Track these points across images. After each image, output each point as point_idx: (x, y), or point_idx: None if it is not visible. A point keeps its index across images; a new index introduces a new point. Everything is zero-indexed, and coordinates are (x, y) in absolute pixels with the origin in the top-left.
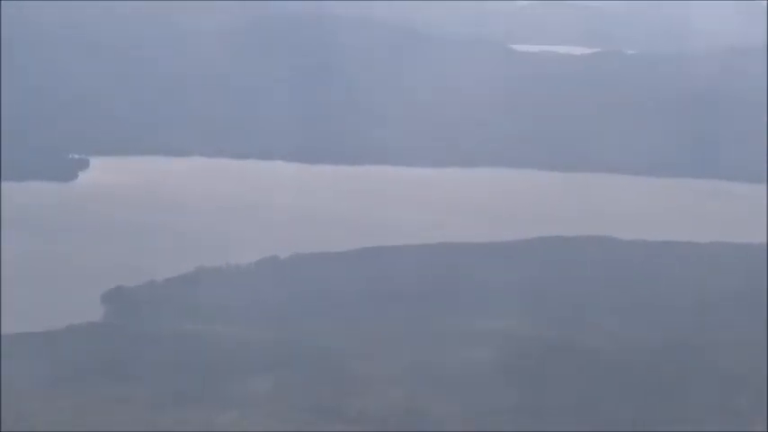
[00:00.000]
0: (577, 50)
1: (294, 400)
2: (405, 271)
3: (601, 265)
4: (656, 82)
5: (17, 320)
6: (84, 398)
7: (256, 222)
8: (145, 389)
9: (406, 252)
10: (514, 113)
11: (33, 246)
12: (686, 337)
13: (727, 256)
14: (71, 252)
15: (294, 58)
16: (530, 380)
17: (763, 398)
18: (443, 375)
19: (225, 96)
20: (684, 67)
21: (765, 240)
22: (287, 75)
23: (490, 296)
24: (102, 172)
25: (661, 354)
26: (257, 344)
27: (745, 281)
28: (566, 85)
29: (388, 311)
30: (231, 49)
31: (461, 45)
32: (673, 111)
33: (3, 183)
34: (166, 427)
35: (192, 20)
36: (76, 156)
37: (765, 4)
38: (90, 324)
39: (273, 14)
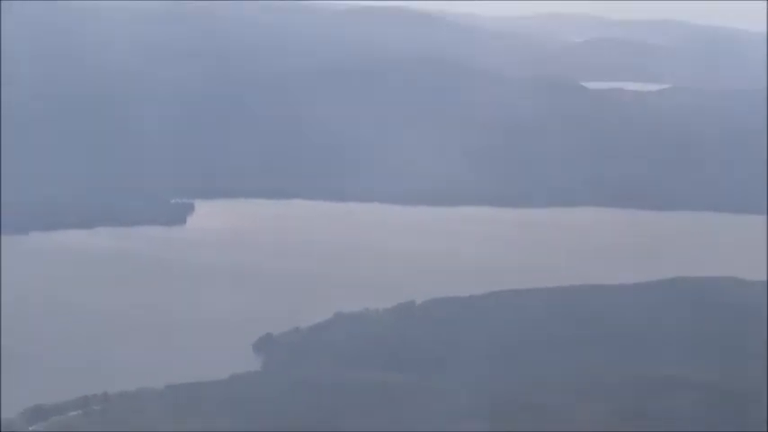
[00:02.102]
0: (646, 87)
1: None
2: (543, 315)
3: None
4: (730, 117)
5: (172, 372)
6: None
7: (371, 265)
8: None
9: (539, 296)
10: (603, 153)
11: (165, 293)
12: None
13: None
14: (204, 298)
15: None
16: None
17: None
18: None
19: (321, 139)
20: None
21: None
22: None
23: (660, 339)
24: (207, 216)
25: None
26: (435, 392)
27: None
28: (647, 122)
29: (550, 357)
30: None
31: (535, 83)
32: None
33: (120, 228)
34: None
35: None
36: (180, 200)
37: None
38: (253, 373)
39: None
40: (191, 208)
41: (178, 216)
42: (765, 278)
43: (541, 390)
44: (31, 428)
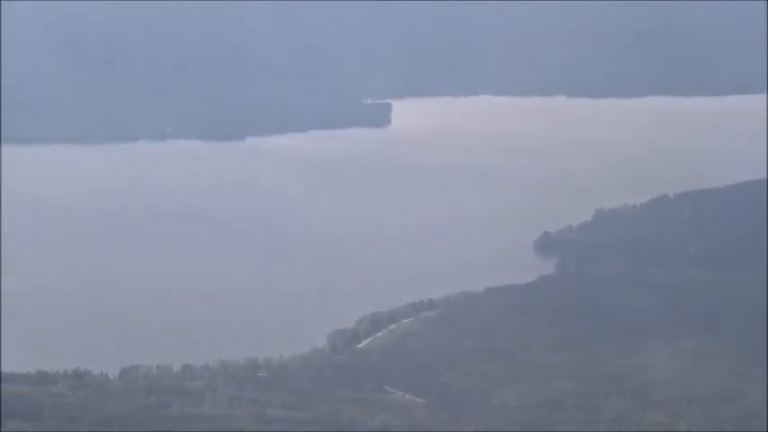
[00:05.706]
0: None
1: None
2: None
3: None
4: None
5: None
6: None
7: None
8: (719, 340)
9: None
10: None
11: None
12: None
13: None
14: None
15: None
16: None
17: None
18: None
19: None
20: None
21: None
22: None
23: None
24: (410, 115)
25: None
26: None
27: None
28: None
29: None
30: None
31: None
32: None
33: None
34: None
35: None
36: (375, 101)
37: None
38: (552, 276)
39: None
40: (389, 107)
41: (383, 116)
42: None
43: None
44: (371, 337)
